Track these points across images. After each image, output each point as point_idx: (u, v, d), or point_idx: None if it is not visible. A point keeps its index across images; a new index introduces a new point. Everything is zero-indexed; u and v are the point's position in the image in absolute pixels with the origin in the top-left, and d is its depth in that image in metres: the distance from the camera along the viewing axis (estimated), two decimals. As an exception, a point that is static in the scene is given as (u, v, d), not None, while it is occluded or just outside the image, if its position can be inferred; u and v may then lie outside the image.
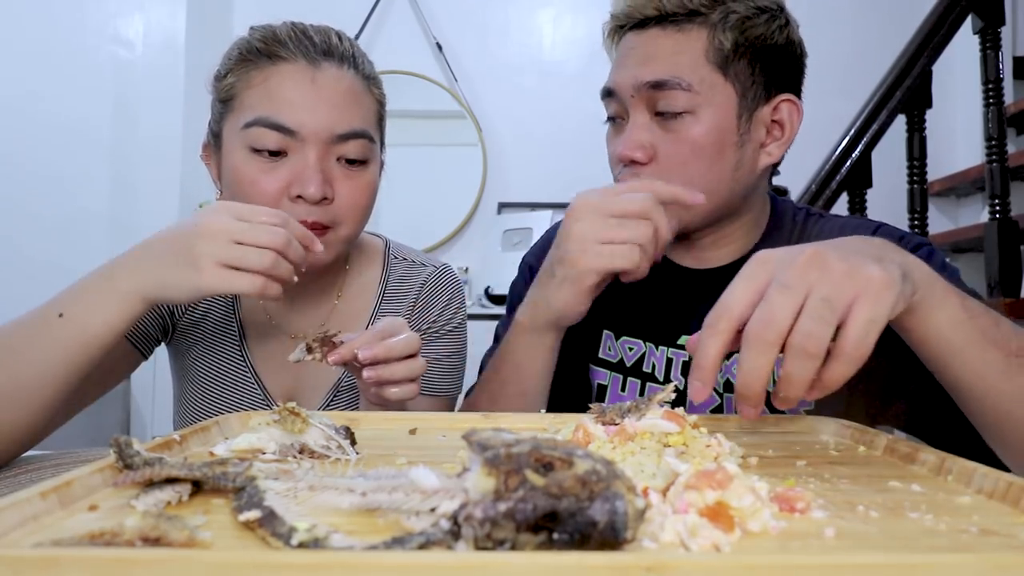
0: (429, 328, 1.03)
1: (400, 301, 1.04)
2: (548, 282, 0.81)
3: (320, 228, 0.86)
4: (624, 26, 0.88)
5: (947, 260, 0.87)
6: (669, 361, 0.93)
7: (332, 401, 0.99)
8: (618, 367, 0.96)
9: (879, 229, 0.90)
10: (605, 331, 0.98)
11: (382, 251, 1.07)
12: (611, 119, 0.91)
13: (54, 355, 0.70)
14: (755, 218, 0.94)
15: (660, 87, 0.83)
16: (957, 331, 0.58)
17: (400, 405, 0.78)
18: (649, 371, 0.93)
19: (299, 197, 0.85)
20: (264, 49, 0.88)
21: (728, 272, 0.93)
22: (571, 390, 0.98)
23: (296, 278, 0.75)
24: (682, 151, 0.84)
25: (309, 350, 0.74)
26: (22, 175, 2.64)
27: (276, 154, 0.86)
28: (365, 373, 0.74)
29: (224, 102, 0.90)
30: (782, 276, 0.51)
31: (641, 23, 0.86)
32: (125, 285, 0.71)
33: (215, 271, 0.69)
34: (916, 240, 0.87)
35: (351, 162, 0.89)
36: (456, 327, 1.05)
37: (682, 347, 0.92)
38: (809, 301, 0.50)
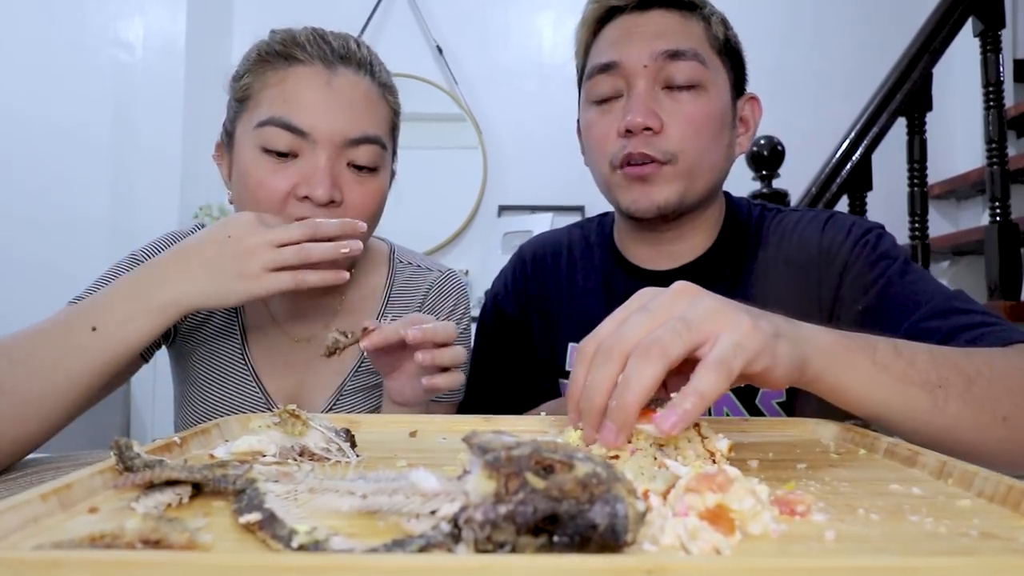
0: None
1: (405, 305, 1.03)
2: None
3: None
4: (620, 8, 0.92)
5: (897, 242, 0.89)
6: None
7: (335, 405, 0.99)
8: None
9: (831, 218, 0.93)
10: (570, 344, 1.00)
11: (387, 255, 1.07)
12: (596, 103, 0.92)
13: (87, 366, 0.73)
14: (719, 209, 0.98)
15: (677, 56, 0.87)
16: (874, 388, 0.55)
17: (426, 407, 0.78)
18: None
19: (306, 198, 0.85)
20: (282, 51, 0.88)
21: (686, 272, 0.95)
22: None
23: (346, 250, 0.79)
24: (694, 121, 0.88)
25: (336, 346, 0.75)
26: (22, 178, 2.64)
27: (286, 155, 0.86)
28: (418, 356, 0.74)
29: (240, 101, 0.90)
30: (649, 304, 0.50)
31: (642, 4, 0.90)
32: (164, 297, 0.75)
33: (268, 277, 0.76)
34: (867, 224, 0.90)
35: (361, 168, 0.89)
36: (462, 332, 1.05)
37: None
38: (668, 320, 0.47)
